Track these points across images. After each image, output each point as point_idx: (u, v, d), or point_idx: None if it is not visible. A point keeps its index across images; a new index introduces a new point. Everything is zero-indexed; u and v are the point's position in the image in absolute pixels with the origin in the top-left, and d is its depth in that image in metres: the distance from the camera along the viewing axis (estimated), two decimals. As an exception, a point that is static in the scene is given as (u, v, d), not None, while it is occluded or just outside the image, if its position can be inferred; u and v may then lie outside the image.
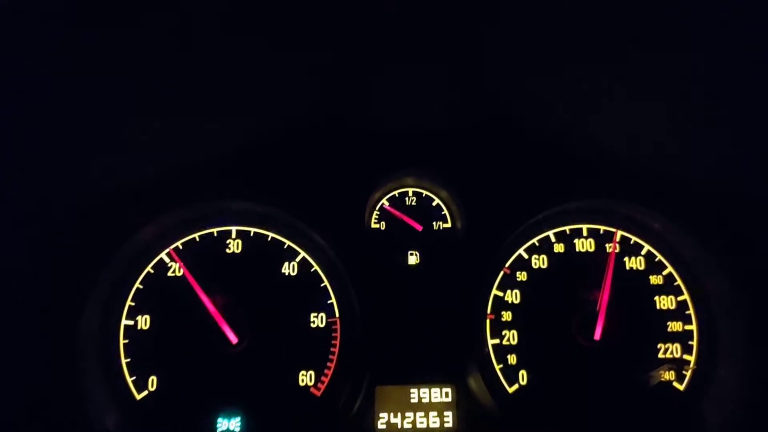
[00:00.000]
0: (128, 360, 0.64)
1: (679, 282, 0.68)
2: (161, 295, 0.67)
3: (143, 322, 0.65)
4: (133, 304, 0.66)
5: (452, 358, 0.66)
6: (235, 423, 0.62)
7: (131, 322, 0.65)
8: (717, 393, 0.64)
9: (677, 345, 0.66)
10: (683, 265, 0.68)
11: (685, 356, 0.66)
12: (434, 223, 0.71)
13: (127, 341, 0.65)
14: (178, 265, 0.66)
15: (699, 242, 0.67)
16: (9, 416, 0.59)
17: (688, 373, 0.66)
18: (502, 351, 0.66)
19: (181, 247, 0.67)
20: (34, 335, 0.61)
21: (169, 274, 0.67)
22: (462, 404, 0.65)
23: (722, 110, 0.57)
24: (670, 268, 0.68)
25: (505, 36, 0.57)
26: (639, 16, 0.53)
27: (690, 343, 0.67)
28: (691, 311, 0.67)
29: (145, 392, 0.64)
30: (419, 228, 0.70)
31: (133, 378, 0.64)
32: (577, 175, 0.68)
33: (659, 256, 0.69)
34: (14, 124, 0.52)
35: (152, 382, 0.64)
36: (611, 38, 0.57)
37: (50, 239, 0.62)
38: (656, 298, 0.68)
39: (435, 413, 0.64)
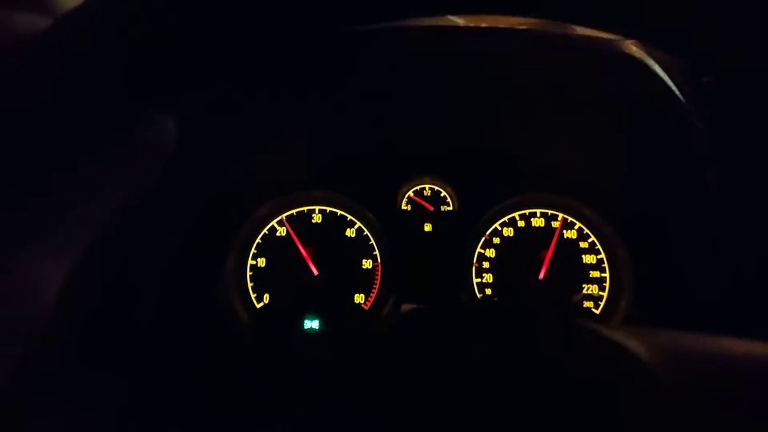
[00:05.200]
0: (252, 284, 1.03)
1: (599, 246, 1.00)
2: (272, 246, 1.02)
3: (261, 262, 1.02)
4: (255, 252, 1.02)
5: (451, 289, 1.00)
6: (315, 323, 1.01)
7: (254, 262, 1.02)
8: (618, 315, 1.01)
9: (595, 286, 0.99)
10: (602, 236, 1.01)
11: (600, 293, 1.00)
12: (441, 206, 1.04)
13: (251, 273, 1.03)
14: (284, 228, 1.05)
15: (611, 224, 1.02)
16: (176, 318, 0.99)
17: (602, 303, 1.02)
18: (481, 286, 1.00)
19: (284, 218, 1.08)
20: (197, 271, 1.00)
21: (277, 234, 1.04)
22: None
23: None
24: (593, 238, 1.01)
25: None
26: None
27: (604, 284, 1.00)
28: (606, 265, 1.00)
29: (262, 303, 1.02)
30: (431, 209, 1.04)
31: (255, 295, 1.01)
32: (531, 177, 1.02)
33: (586, 230, 1.01)
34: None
35: (266, 297, 1.01)
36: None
37: (207, 214, 1.02)
38: (583, 256, 1.00)
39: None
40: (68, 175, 0.35)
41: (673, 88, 0.74)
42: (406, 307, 1.01)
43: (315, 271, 1.02)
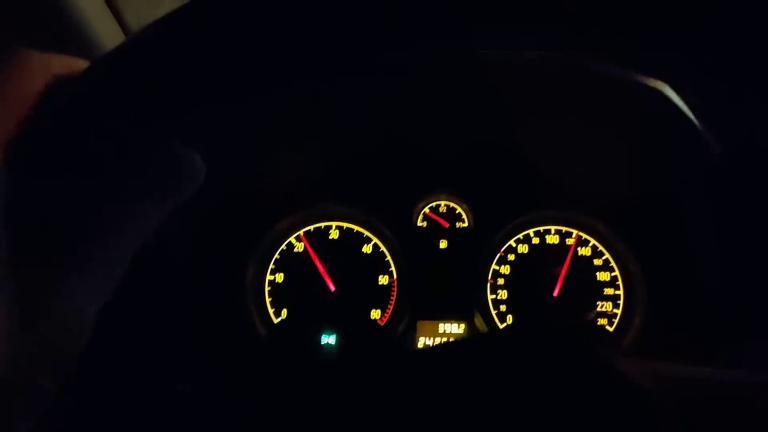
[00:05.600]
0: (270, 299, 1.05)
1: (612, 264, 1.01)
2: (290, 262, 1.04)
3: (279, 277, 1.04)
4: (273, 267, 1.04)
5: (466, 306, 1.01)
6: (332, 339, 1.03)
7: (272, 277, 1.04)
8: (632, 332, 1.02)
9: (609, 303, 1.00)
10: (616, 253, 1.02)
11: (614, 310, 1.02)
12: (456, 223, 1.05)
13: (269, 288, 1.05)
14: (301, 244, 1.07)
15: (625, 242, 1.03)
16: (196, 331, 1.00)
17: (616, 321, 1.03)
18: (496, 303, 1.01)
19: (302, 233, 1.10)
20: (216, 286, 1.00)
21: (295, 250, 1.06)
22: (471, 334, 1.03)
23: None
24: (607, 255, 1.02)
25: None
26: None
27: (618, 302, 1.01)
28: (620, 282, 1.01)
29: (280, 318, 1.04)
30: (446, 225, 1.05)
31: (273, 309, 1.03)
32: (546, 194, 1.04)
33: (600, 247, 1.02)
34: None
35: (284, 312, 1.03)
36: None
37: (225, 229, 1.04)
38: (597, 273, 1.01)
39: (453, 339, 1.04)
40: (103, 209, 0.37)
41: (689, 113, 0.75)
42: (422, 324, 1.03)
43: (332, 287, 1.04)
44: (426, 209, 1.11)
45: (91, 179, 0.35)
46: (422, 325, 1.04)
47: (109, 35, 0.91)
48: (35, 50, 0.37)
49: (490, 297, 1.05)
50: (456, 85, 0.88)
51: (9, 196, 0.29)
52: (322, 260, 1.06)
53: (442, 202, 1.11)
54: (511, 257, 1.07)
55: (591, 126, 0.91)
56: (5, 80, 0.33)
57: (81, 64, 0.39)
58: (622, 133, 0.90)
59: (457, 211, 1.10)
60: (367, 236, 1.08)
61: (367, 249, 1.08)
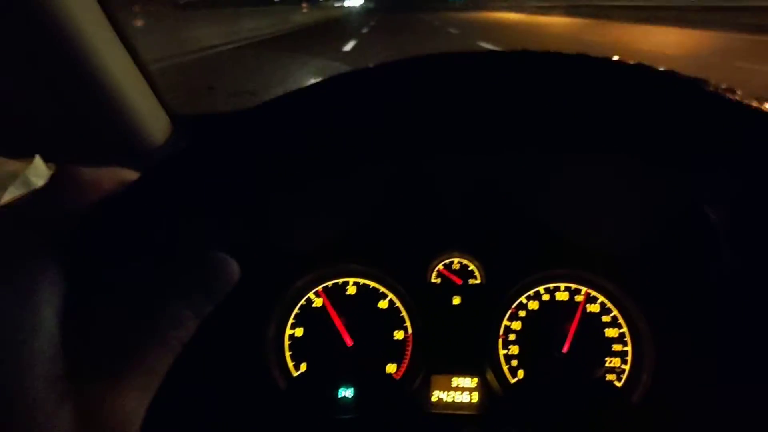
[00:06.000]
0: (290, 353, 1.11)
1: (620, 321, 1.04)
2: (309, 317, 1.08)
3: (298, 332, 1.09)
4: (293, 321, 1.10)
5: (478, 360, 1.04)
6: (350, 392, 1.06)
7: (292, 332, 1.10)
8: (641, 388, 1.04)
9: (617, 359, 1.03)
10: (624, 310, 1.05)
11: (623, 366, 1.06)
12: (469, 279, 1.09)
13: (289, 342, 1.11)
14: (320, 299, 1.12)
15: (633, 299, 1.07)
16: (217, 385, 1.05)
17: (624, 377, 1.06)
18: (507, 357, 1.05)
19: (321, 289, 1.15)
20: (238, 341, 1.07)
21: (313, 305, 1.12)
22: (483, 388, 1.05)
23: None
24: (615, 312, 1.05)
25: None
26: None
27: (626, 358, 1.05)
28: (628, 339, 1.03)
29: (299, 371, 1.10)
30: (459, 282, 1.10)
31: (292, 363, 1.08)
32: (556, 252, 1.09)
33: (608, 304, 1.05)
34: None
35: (303, 366, 1.08)
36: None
37: (247, 287, 1.10)
38: (605, 329, 1.04)
39: (467, 393, 1.04)
40: (147, 320, 0.41)
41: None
42: (436, 378, 1.06)
43: (349, 341, 1.08)
44: (439, 266, 1.15)
45: (140, 290, 0.39)
46: (436, 379, 1.07)
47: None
48: (86, 167, 0.42)
49: (501, 352, 1.08)
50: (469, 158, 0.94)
51: (68, 316, 0.34)
52: (339, 315, 1.10)
53: (455, 259, 1.15)
54: (522, 313, 1.10)
55: (604, 194, 0.96)
56: (56, 199, 0.38)
57: (131, 175, 0.44)
58: (636, 202, 0.95)
59: (469, 268, 1.14)
60: (382, 292, 1.12)
61: (383, 304, 1.12)
